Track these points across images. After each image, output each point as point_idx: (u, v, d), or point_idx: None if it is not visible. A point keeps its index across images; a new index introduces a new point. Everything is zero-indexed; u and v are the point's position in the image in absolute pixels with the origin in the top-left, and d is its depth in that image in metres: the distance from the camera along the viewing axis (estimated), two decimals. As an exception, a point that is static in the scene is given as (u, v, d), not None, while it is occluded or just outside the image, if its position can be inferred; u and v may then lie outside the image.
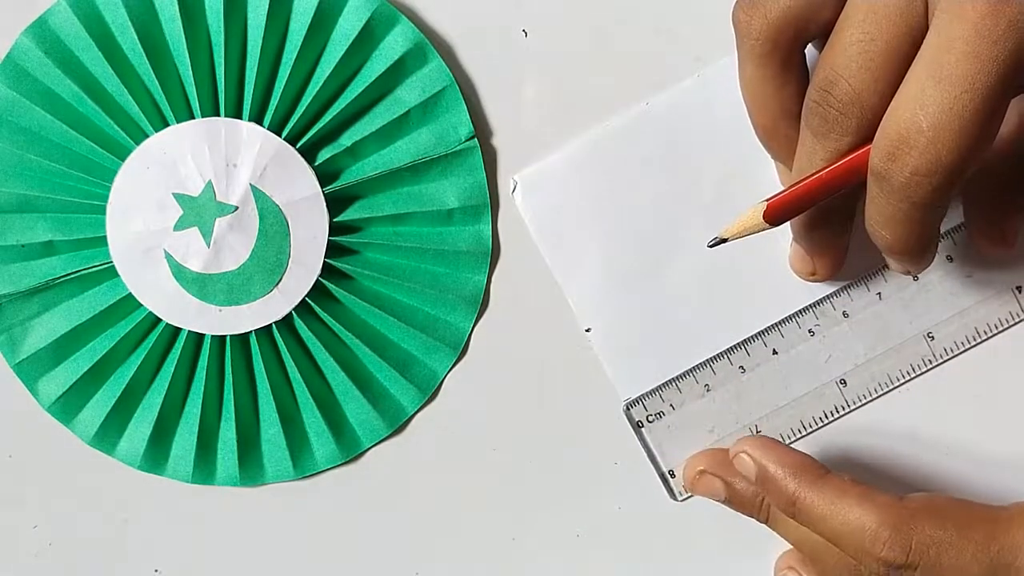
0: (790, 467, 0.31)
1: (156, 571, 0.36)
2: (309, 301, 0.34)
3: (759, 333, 0.34)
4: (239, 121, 0.33)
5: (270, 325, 0.34)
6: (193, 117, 0.33)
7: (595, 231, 0.34)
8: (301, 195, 0.33)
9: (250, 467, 0.35)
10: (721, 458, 0.33)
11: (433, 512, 0.35)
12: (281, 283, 0.33)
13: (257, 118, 0.33)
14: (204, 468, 0.35)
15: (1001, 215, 0.31)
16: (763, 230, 0.28)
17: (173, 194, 0.33)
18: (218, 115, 0.33)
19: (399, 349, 0.34)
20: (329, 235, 0.33)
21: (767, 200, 0.28)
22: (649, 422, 0.34)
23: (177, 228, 0.33)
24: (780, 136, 0.29)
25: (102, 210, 0.33)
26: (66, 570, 0.36)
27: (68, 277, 0.34)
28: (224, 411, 0.34)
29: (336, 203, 0.33)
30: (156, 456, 0.35)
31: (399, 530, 0.36)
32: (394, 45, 0.33)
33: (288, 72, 0.32)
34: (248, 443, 0.35)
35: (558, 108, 0.34)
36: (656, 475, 0.34)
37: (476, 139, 0.33)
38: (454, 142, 0.33)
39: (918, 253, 0.27)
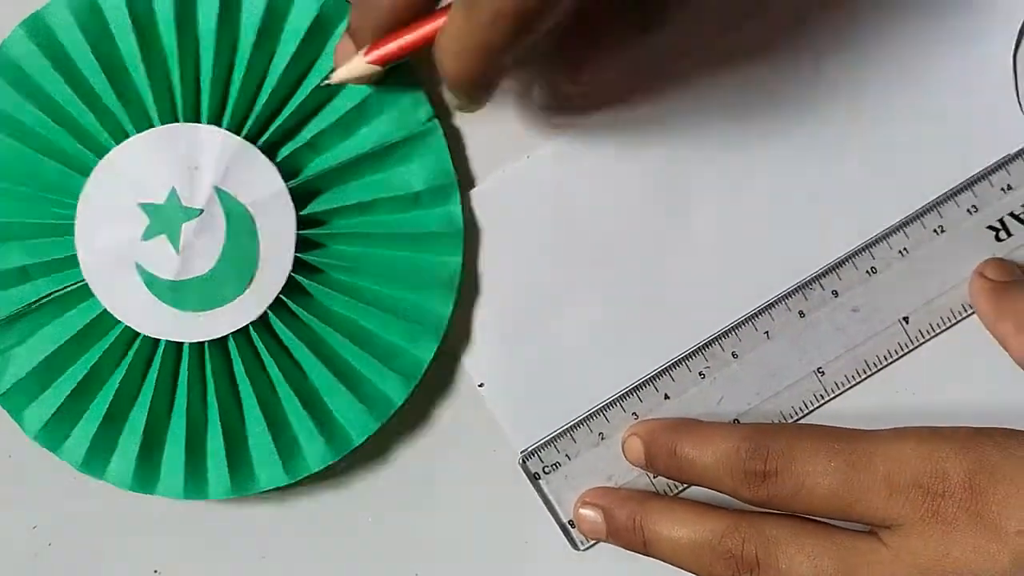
0: (668, 425, 0.33)
1: (156, 572, 0.35)
2: (283, 298, 0.33)
3: (649, 379, 0.34)
4: (197, 125, 0.33)
5: (247, 327, 0.33)
6: (152, 126, 0.33)
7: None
8: (266, 193, 0.33)
9: (241, 477, 0.34)
10: (603, 491, 0.34)
11: (433, 512, 0.35)
12: (253, 283, 0.33)
13: (216, 120, 0.33)
14: (195, 482, 0.34)
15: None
16: (374, 73, 0.30)
17: (138, 204, 0.33)
18: (177, 121, 0.33)
19: (380, 339, 0.34)
20: (298, 230, 0.33)
21: (370, 50, 0.30)
22: (546, 473, 0.34)
23: (145, 238, 0.33)
24: None
25: (72, 230, 0.33)
26: (66, 570, 0.36)
27: (43, 301, 0.34)
28: (210, 420, 0.34)
29: (302, 198, 0.33)
30: (146, 475, 0.34)
31: (399, 530, 0.35)
32: (345, 35, 0.33)
33: (243, 72, 0.33)
34: (237, 452, 0.34)
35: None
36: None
37: (437, 120, 0.33)
38: (415, 125, 0.33)
39: (479, 90, 0.28)
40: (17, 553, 0.36)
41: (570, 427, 0.34)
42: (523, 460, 0.34)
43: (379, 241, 0.34)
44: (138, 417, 0.34)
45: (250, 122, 0.33)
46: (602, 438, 0.34)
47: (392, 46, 0.29)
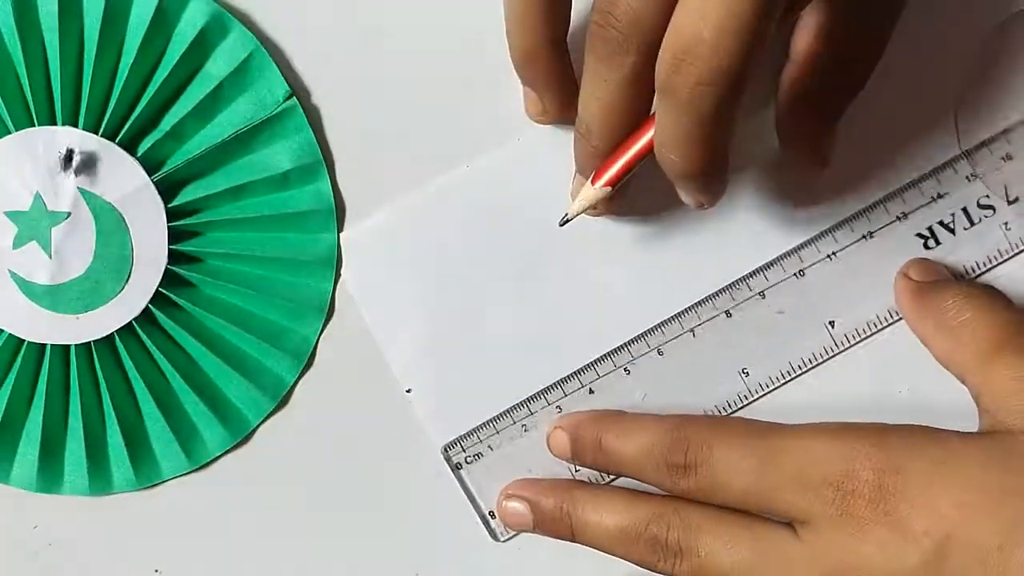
0: (593, 417, 0.33)
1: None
2: (163, 291, 0.34)
3: (574, 373, 0.34)
4: (53, 127, 0.33)
5: (131, 322, 0.34)
6: (9, 132, 0.33)
7: (414, 292, 0.34)
8: (131, 188, 0.33)
9: (145, 468, 0.35)
10: (527, 482, 0.34)
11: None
12: (131, 279, 0.33)
13: (72, 121, 0.33)
14: (99, 477, 0.35)
15: (813, 131, 0.32)
16: (605, 195, 0.29)
17: (4, 213, 0.33)
18: (32, 125, 0.33)
19: (265, 321, 0.34)
20: (170, 221, 0.33)
21: (595, 177, 0.29)
22: (468, 463, 0.34)
23: (16, 246, 0.33)
24: (539, 63, 0.29)
25: (-57, 247, 0.33)
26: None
27: (-76, 320, 0.34)
28: (107, 417, 0.34)
29: (171, 189, 0.33)
30: (50, 476, 0.35)
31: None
32: (192, 22, 0.32)
33: (91, 70, 0.32)
34: (138, 445, 0.34)
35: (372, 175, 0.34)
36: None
37: (295, 97, 0.33)
38: (273, 104, 0.33)
39: (710, 176, 0.27)
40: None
41: (493, 418, 0.34)
42: (445, 449, 0.34)
43: (253, 224, 0.34)
44: (35, 420, 0.34)
45: (106, 119, 0.33)
46: (525, 430, 0.34)
47: (615, 169, 0.29)
